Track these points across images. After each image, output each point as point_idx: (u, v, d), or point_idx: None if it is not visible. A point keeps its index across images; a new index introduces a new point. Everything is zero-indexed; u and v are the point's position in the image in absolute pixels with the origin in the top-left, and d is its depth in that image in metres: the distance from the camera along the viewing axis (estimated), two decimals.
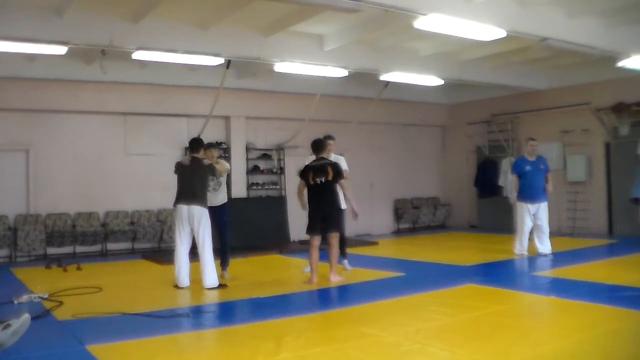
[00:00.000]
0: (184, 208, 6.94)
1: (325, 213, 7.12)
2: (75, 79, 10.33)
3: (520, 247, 9.31)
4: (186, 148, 11.44)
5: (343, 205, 7.73)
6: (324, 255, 7.63)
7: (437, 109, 15.11)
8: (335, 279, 7.18)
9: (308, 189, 7.24)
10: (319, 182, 7.08)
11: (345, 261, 8.04)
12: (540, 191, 9.18)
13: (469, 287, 7.12)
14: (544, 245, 9.19)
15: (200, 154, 7.17)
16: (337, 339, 4.53)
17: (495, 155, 13.65)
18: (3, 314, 5.03)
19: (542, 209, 9.17)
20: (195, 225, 6.92)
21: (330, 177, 7.04)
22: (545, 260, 8.80)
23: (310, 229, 7.24)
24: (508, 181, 13.13)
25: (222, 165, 7.46)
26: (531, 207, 9.17)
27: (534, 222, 9.19)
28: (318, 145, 7.35)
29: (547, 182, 9.25)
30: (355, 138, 13.42)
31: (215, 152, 7.64)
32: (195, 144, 7.19)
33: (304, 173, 7.20)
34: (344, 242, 7.97)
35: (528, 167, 9.25)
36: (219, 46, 8.68)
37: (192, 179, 7.00)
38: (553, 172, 12.66)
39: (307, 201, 7.30)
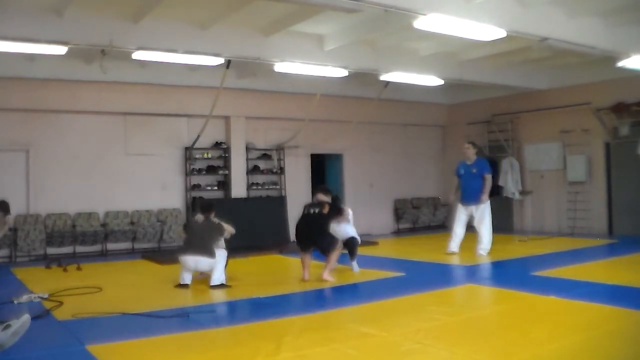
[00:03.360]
0: (189, 259, 6.93)
1: (313, 239, 7.25)
2: (75, 79, 10.34)
3: (450, 244, 9.48)
4: (191, 154, 11.47)
5: (354, 233, 7.91)
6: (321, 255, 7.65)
7: (437, 109, 15.12)
8: (328, 278, 7.19)
9: (302, 218, 7.45)
10: (312, 212, 7.33)
11: (354, 263, 8.03)
12: (471, 194, 9.33)
13: (469, 287, 7.14)
14: (479, 246, 9.29)
15: (212, 216, 7.30)
16: (337, 339, 4.53)
17: (495, 155, 13.65)
18: (3, 314, 5.03)
19: (476, 211, 9.29)
20: (204, 269, 7.02)
21: (325, 210, 7.28)
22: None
23: (299, 245, 7.39)
24: (508, 181, 13.20)
25: (228, 227, 7.46)
26: (464, 209, 9.42)
27: (474, 224, 9.34)
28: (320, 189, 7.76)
29: (484, 184, 9.30)
30: (355, 138, 13.44)
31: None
32: (208, 207, 7.36)
33: (304, 208, 7.53)
34: (355, 246, 7.99)
35: (462, 171, 9.54)
36: (219, 46, 8.68)
37: (202, 233, 7.11)
38: (553, 172, 12.84)
39: None
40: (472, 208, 9.33)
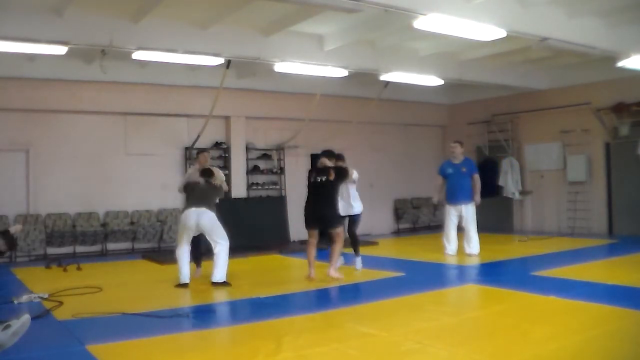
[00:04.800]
0: (192, 211, 7.00)
1: (320, 213, 7.16)
2: (75, 79, 10.33)
3: (448, 247, 9.46)
4: (191, 154, 11.47)
5: (359, 210, 7.90)
6: (324, 255, 7.64)
7: (437, 109, 15.12)
8: (334, 275, 7.16)
9: (309, 188, 7.30)
10: (319, 180, 7.14)
11: (358, 259, 8.02)
12: (462, 193, 9.30)
13: (469, 287, 7.14)
14: (470, 246, 9.29)
15: (212, 179, 7.44)
16: (337, 339, 4.53)
17: (495, 155, 13.66)
18: (3, 314, 5.03)
19: (466, 211, 9.28)
20: (205, 226, 7.01)
21: (331, 178, 7.09)
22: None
23: (307, 224, 7.30)
24: (508, 181, 13.20)
25: (223, 183, 7.71)
26: (454, 209, 9.37)
27: (462, 224, 9.33)
28: (325, 154, 7.54)
29: (474, 185, 9.30)
30: (355, 138, 13.42)
31: (208, 156, 8.04)
32: (208, 172, 7.50)
33: (309, 173, 7.37)
34: (356, 242, 7.99)
35: (450, 170, 9.48)
36: (219, 46, 8.68)
37: (203, 191, 7.26)
38: (553, 172, 12.84)
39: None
40: (462, 207, 9.30)
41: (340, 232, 7.31)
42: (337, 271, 7.25)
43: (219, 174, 7.66)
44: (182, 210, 7.21)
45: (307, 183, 7.33)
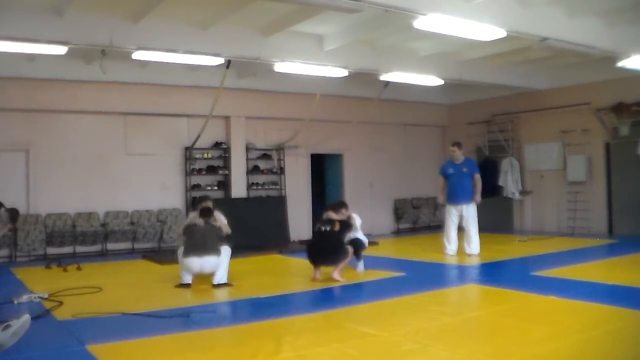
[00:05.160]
0: (194, 260, 6.88)
1: (325, 257, 7.30)
2: (75, 79, 10.34)
3: (448, 247, 9.46)
4: (191, 154, 11.48)
5: (365, 240, 8.09)
6: None
7: (437, 109, 15.12)
8: (337, 278, 7.20)
9: (312, 236, 7.62)
10: (323, 230, 7.40)
11: (360, 263, 8.03)
12: (462, 193, 9.31)
13: (469, 287, 7.14)
14: (470, 246, 9.29)
15: (212, 220, 7.29)
16: (337, 339, 4.53)
17: (495, 155, 13.66)
18: (3, 314, 5.04)
19: (467, 211, 9.28)
20: (210, 270, 6.97)
21: (336, 229, 7.36)
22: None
23: (312, 262, 7.41)
24: (508, 181, 13.20)
25: (225, 226, 7.47)
26: (454, 209, 9.37)
27: (462, 224, 9.33)
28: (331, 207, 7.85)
29: (475, 185, 9.31)
30: (355, 138, 13.43)
31: (209, 204, 7.69)
32: (208, 212, 7.31)
33: (317, 222, 7.64)
34: (361, 248, 8.00)
35: (451, 170, 9.49)
36: (219, 46, 8.68)
37: (203, 234, 7.09)
38: (553, 172, 12.83)
39: None
40: (463, 207, 9.30)
41: (348, 255, 7.42)
42: (339, 274, 7.27)
43: (221, 218, 7.45)
44: (183, 254, 6.99)
45: (313, 232, 7.65)
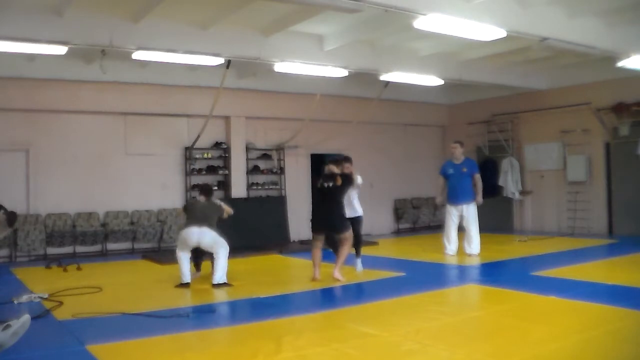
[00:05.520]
0: (193, 230, 6.96)
1: (328, 219, 7.20)
2: (75, 79, 10.33)
3: (448, 247, 9.45)
4: (191, 154, 11.47)
5: (361, 212, 7.93)
6: (328, 255, 7.63)
7: (437, 109, 15.12)
8: (339, 277, 7.17)
9: (316, 194, 7.37)
10: (326, 186, 7.20)
11: (358, 260, 8.03)
12: (463, 194, 9.30)
13: (469, 287, 7.14)
14: (471, 246, 9.28)
15: (212, 198, 7.45)
16: (337, 339, 4.53)
17: (495, 155, 13.66)
18: (3, 314, 5.03)
19: (467, 211, 9.27)
20: (207, 245, 7.02)
21: (338, 184, 7.15)
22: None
23: (314, 229, 7.30)
24: (508, 181, 13.20)
25: (227, 208, 7.59)
26: (455, 209, 9.36)
27: (462, 224, 9.32)
28: (333, 161, 7.59)
29: (475, 185, 9.30)
30: (355, 138, 13.41)
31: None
32: (208, 190, 7.50)
33: (317, 178, 7.43)
34: (359, 243, 8.01)
35: (451, 170, 9.47)
36: (219, 46, 8.67)
37: (204, 210, 7.21)
38: (553, 172, 12.84)
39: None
40: (463, 207, 9.30)
41: (349, 236, 7.33)
42: (341, 273, 7.24)
43: (223, 204, 7.56)
44: (182, 226, 7.09)
45: (314, 189, 7.38)
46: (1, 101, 9.82)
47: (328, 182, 7.19)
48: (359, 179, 7.86)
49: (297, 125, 12.17)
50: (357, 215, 7.93)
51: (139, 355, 4.29)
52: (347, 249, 7.34)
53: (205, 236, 6.97)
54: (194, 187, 11.78)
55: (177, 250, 7.16)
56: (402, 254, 10.37)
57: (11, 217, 7.90)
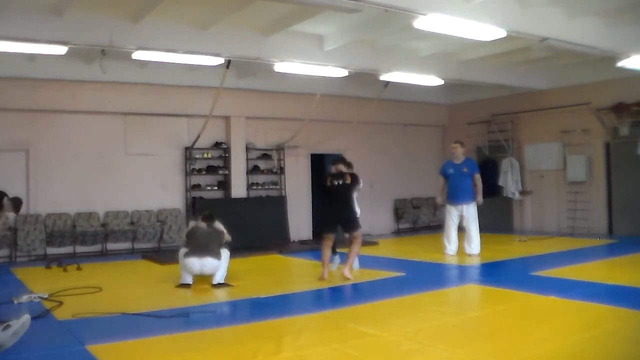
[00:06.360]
0: (195, 261, 6.91)
1: (343, 215, 7.26)
2: (75, 79, 10.33)
3: (448, 247, 9.45)
4: (191, 153, 11.48)
5: (358, 213, 7.91)
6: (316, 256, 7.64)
7: (437, 109, 15.12)
8: (349, 276, 7.24)
9: (325, 193, 7.39)
10: (336, 183, 7.28)
11: (355, 259, 8.03)
12: (463, 194, 9.30)
13: (469, 287, 7.14)
14: (471, 246, 9.29)
15: (214, 224, 7.36)
16: (337, 339, 4.53)
17: (495, 155, 13.66)
18: (3, 314, 5.03)
19: (467, 211, 9.28)
20: (209, 271, 7.00)
21: (348, 181, 7.26)
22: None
23: (326, 227, 7.33)
24: (508, 181, 13.20)
25: (227, 236, 7.50)
26: (455, 209, 9.37)
27: (462, 224, 9.32)
28: (340, 160, 7.73)
29: (475, 185, 9.31)
30: (355, 138, 13.42)
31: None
32: (210, 217, 7.39)
33: (324, 178, 7.48)
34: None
35: (451, 170, 9.47)
36: (219, 46, 8.68)
37: (207, 238, 7.15)
38: (553, 172, 12.84)
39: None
40: (463, 207, 9.30)
41: (360, 235, 7.41)
42: (350, 272, 7.30)
43: (222, 227, 7.48)
44: (184, 254, 7.02)
45: (322, 188, 7.43)
46: (1, 101, 9.82)
47: (338, 180, 7.28)
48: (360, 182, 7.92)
49: (297, 125, 12.18)
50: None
51: (139, 355, 4.29)
52: (357, 248, 7.42)
53: (207, 266, 6.94)
54: (194, 187, 11.79)
55: (180, 253, 7.14)
56: (402, 254, 10.37)
57: (16, 202, 7.91)
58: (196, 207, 11.08)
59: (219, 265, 6.97)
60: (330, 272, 7.44)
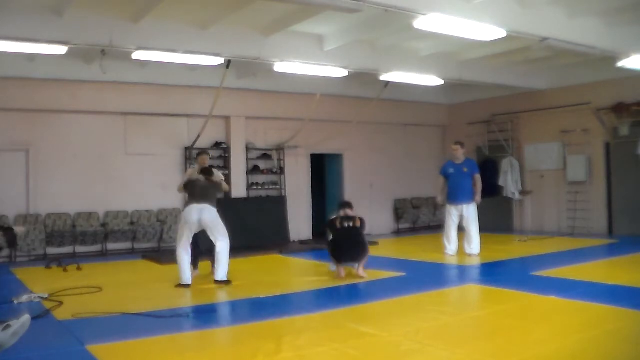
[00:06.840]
0: (194, 207, 7.10)
1: (356, 255, 7.53)
2: (75, 79, 10.33)
3: (448, 247, 9.47)
4: (191, 153, 11.49)
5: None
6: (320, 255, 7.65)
7: (437, 109, 15.12)
8: (363, 275, 7.43)
9: (336, 234, 7.63)
10: (347, 226, 7.58)
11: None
12: (463, 194, 9.32)
13: (469, 287, 7.14)
14: (471, 246, 9.30)
15: (212, 177, 7.51)
16: (337, 339, 4.53)
17: (495, 155, 13.66)
18: (3, 314, 5.03)
19: (467, 211, 9.29)
20: (207, 222, 7.08)
21: (357, 224, 7.60)
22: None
23: (345, 259, 7.55)
24: (508, 181, 13.20)
25: (222, 182, 7.73)
26: (455, 209, 9.38)
27: (462, 224, 9.33)
28: (347, 205, 8.04)
29: (475, 185, 9.32)
30: (355, 138, 13.43)
31: (207, 158, 7.97)
32: (209, 171, 7.56)
33: (333, 221, 7.75)
34: None
35: (451, 170, 9.49)
36: (219, 46, 8.68)
37: (204, 188, 7.34)
38: (553, 172, 12.84)
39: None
40: (463, 207, 9.31)
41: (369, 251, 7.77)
42: (364, 271, 7.49)
43: (218, 174, 7.72)
44: (183, 207, 7.24)
45: (334, 228, 7.67)
46: (1, 101, 9.82)
47: (348, 222, 7.62)
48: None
49: (297, 125, 12.18)
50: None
51: (139, 355, 4.29)
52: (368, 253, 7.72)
53: (206, 212, 7.08)
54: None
55: (177, 249, 7.15)
56: (402, 254, 10.36)
57: (10, 237, 7.91)
58: None
59: (216, 216, 7.13)
60: (320, 270, 7.48)
